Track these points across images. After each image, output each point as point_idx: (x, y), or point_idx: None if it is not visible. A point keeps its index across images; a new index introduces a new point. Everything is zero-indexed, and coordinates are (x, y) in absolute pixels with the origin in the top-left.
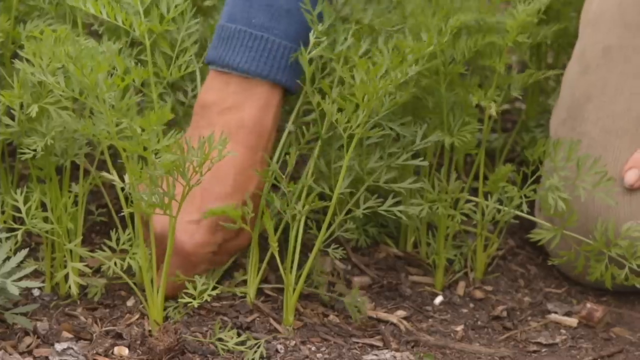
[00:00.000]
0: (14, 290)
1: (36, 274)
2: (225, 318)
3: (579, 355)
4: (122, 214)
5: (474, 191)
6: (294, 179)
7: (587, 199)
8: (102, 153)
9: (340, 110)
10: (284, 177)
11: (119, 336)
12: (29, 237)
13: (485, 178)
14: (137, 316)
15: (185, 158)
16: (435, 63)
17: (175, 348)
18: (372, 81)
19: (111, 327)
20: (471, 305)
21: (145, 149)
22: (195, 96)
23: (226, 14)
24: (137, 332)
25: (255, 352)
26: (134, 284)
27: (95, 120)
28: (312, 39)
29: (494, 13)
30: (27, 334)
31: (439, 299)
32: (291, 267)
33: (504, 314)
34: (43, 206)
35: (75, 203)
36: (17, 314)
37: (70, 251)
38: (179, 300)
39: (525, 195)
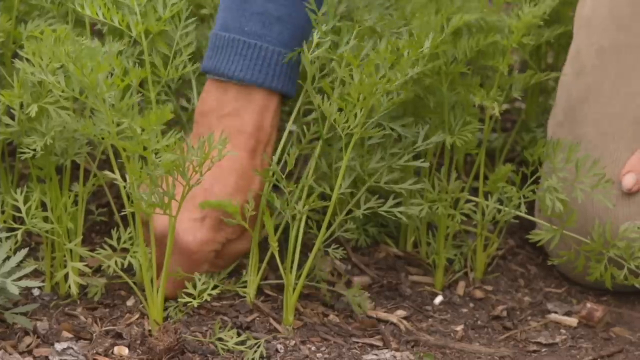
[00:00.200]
0: (13, 289)
1: (36, 274)
2: (225, 318)
3: (579, 355)
4: (123, 212)
5: (474, 191)
6: (296, 178)
7: (586, 200)
8: (102, 152)
9: (340, 110)
10: (283, 176)
11: (118, 336)
12: (29, 237)
13: (486, 178)
14: (137, 316)
15: (185, 158)
16: (437, 63)
17: (175, 348)
18: (369, 78)
19: (111, 327)
20: (471, 305)
21: (145, 148)
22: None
23: (219, 22)
24: (137, 331)
25: (255, 351)
26: (134, 283)
27: (95, 120)
28: (315, 38)
29: (496, 13)
30: (27, 333)
31: (438, 299)
32: (291, 267)
33: (504, 313)
34: (43, 206)
35: (75, 203)
36: (17, 313)
37: (70, 251)
38: (179, 299)
39: (524, 196)
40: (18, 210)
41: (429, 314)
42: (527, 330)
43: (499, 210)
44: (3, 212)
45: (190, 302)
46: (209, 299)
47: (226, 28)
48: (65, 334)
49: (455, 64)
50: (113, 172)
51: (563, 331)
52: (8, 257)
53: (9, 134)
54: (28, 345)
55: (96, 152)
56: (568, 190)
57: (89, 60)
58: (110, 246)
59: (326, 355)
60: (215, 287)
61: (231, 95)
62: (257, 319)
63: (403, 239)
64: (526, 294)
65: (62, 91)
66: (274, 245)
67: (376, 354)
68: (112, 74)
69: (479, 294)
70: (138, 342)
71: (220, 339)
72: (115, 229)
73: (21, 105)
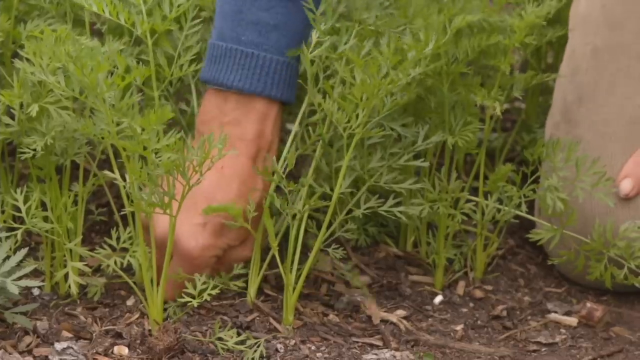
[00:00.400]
0: (13, 289)
1: (36, 273)
2: (225, 317)
3: (579, 355)
4: (122, 212)
5: (474, 191)
6: (296, 179)
7: (586, 199)
8: (102, 152)
9: (339, 109)
10: (283, 176)
11: (118, 335)
12: (29, 237)
13: (486, 178)
14: (137, 315)
15: (185, 157)
16: (439, 63)
17: (175, 347)
18: (372, 79)
19: (111, 327)
20: (471, 304)
21: (145, 148)
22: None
23: (216, 32)
24: (137, 331)
25: (255, 351)
26: (134, 283)
27: (95, 120)
28: (314, 38)
29: (498, 13)
30: (26, 333)
31: (438, 299)
32: (291, 267)
33: (504, 313)
34: (43, 205)
35: (75, 202)
36: (16, 313)
37: (70, 250)
38: (179, 299)
39: (524, 195)
40: (18, 210)
41: (428, 314)
42: (527, 330)
43: (499, 210)
44: (3, 212)
45: (190, 302)
46: (208, 298)
47: (223, 37)
48: (65, 333)
49: (456, 64)
50: (113, 171)
51: (563, 331)
52: (8, 257)
53: (9, 134)
54: (28, 345)
55: (96, 152)
56: (568, 190)
57: (89, 60)
58: (110, 246)
59: (326, 355)
60: (215, 287)
61: (231, 104)
62: (257, 318)
63: (403, 238)
64: (526, 293)
65: (62, 91)
66: (274, 246)
67: (376, 354)
68: (112, 74)
69: (478, 293)
70: (138, 341)
71: (220, 339)
72: (115, 228)
73: (21, 105)
